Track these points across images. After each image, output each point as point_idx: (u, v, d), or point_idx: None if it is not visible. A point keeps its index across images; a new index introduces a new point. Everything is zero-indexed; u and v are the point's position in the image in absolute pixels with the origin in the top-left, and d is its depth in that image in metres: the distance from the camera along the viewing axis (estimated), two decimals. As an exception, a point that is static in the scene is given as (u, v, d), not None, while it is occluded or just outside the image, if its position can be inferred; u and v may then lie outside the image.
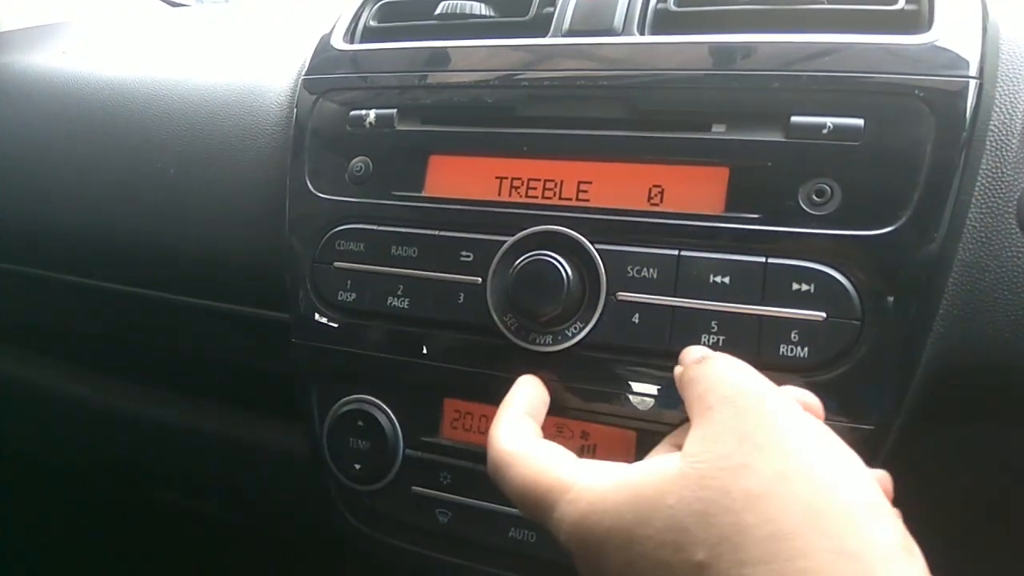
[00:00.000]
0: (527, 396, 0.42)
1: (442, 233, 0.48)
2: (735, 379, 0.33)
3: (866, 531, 0.26)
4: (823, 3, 0.45)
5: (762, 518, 0.27)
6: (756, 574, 0.26)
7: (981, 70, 0.41)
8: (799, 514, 0.27)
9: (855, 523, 0.27)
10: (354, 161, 0.52)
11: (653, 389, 0.43)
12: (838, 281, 0.40)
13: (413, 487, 0.50)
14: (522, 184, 0.47)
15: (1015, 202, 0.40)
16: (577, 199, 0.46)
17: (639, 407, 0.43)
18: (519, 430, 0.39)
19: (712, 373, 0.34)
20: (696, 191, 0.44)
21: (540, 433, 0.40)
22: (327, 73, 0.55)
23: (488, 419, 0.48)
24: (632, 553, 0.29)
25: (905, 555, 0.27)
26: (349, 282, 0.51)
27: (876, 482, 0.29)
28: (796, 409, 0.32)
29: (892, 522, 0.28)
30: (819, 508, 0.27)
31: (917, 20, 0.43)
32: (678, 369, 0.38)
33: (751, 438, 0.29)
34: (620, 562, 0.29)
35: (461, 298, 0.47)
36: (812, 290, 0.40)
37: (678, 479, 0.29)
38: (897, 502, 0.36)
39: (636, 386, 0.44)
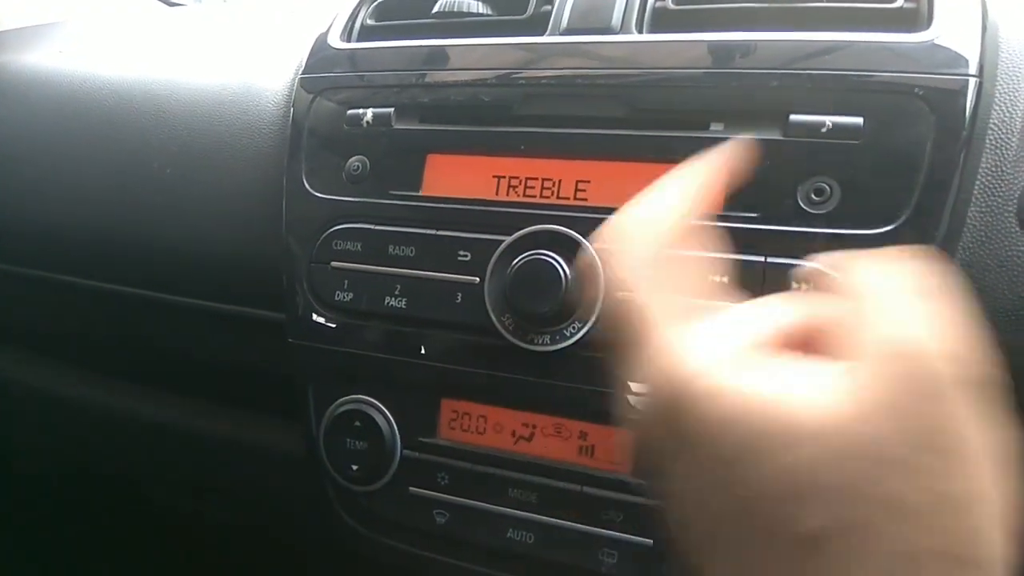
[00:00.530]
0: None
1: (440, 232, 0.48)
2: (902, 323, 0.24)
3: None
4: (822, 1, 0.45)
5: (899, 530, 0.22)
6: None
7: (981, 68, 0.40)
8: (935, 543, 0.22)
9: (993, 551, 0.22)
10: (351, 160, 0.52)
11: (652, 389, 0.43)
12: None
13: (410, 488, 0.50)
14: (520, 183, 0.47)
15: (1015, 200, 0.39)
16: (575, 198, 0.46)
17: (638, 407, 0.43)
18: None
19: (878, 298, 0.25)
20: (695, 190, 0.43)
21: None
22: (324, 72, 0.55)
23: (486, 419, 0.48)
24: (719, 486, 0.23)
25: None
26: (346, 282, 0.51)
27: None
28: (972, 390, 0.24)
29: None
30: (958, 546, 0.22)
31: (916, 18, 0.43)
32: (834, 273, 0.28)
33: (922, 437, 0.22)
34: (722, 455, 0.23)
35: (459, 298, 0.47)
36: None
37: (823, 431, 0.23)
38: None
39: (635, 386, 0.43)
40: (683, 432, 0.24)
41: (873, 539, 0.22)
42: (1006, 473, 0.23)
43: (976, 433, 0.23)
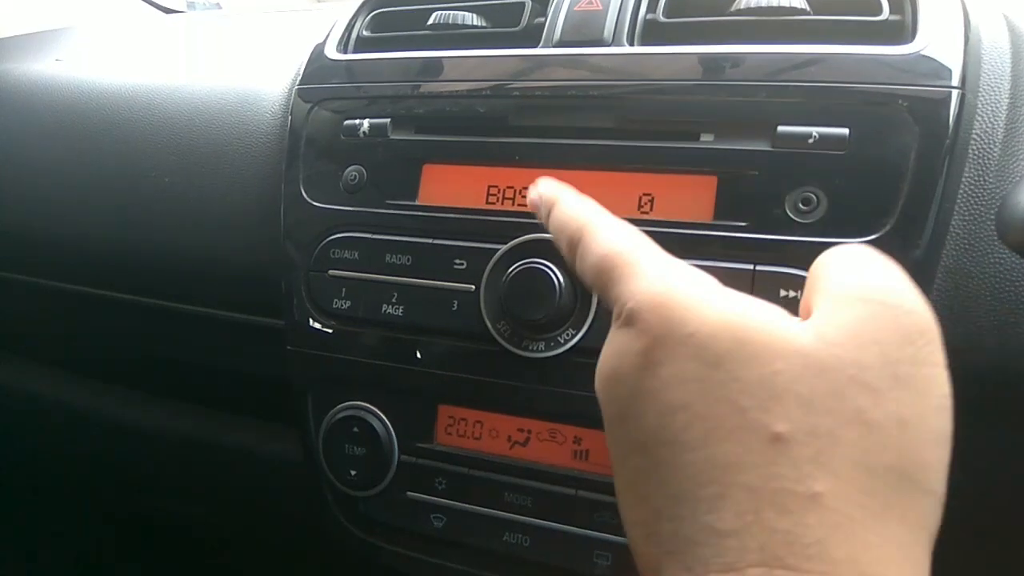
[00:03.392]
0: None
1: (436, 241, 0.49)
2: (876, 279, 0.27)
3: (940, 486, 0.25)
4: (809, 15, 0.46)
5: (859, 440, 0.24)
6: (825, 480, 0.23)
7: (963, 80, 0.41)
8: (892, 460, 0.24)
9: (938, 482, 0.25)
10: (348, 170, 0.53)
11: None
12: (825, 288, 0.41)
13: (408, 493, 0.50)
14: (514, 192, 0.48)
15: (996, 210, 0.40)
16: (568, 207, 0.46)
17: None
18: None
19: (850, 261, 0.28)
20: (685, 200, 0.44)
21: None
22: (321, 82, 0.56)
23: (482, 425, 0.49)
24: (707, 375, 0.25)
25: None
26: (344, 290, 0.51)
27: None
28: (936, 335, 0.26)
29: None
30: (913, 469, 0.24)
31: (901, 31, 0.44)
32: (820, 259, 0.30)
33: (898, 373, 0.25)
34: (683, 372, 0.25)
35: (455, 305, 0.48)
36: (799, 296, 0.41)
37: (799, 351, 0.25)
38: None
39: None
40: (670, 335, 0.26)
41: (835, 447, 0.23)
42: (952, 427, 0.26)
43: (942, 383, 0.26)
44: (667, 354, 0.26)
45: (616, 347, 0.28)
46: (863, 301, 0.26)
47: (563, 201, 0.36)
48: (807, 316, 0.27)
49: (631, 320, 0.27)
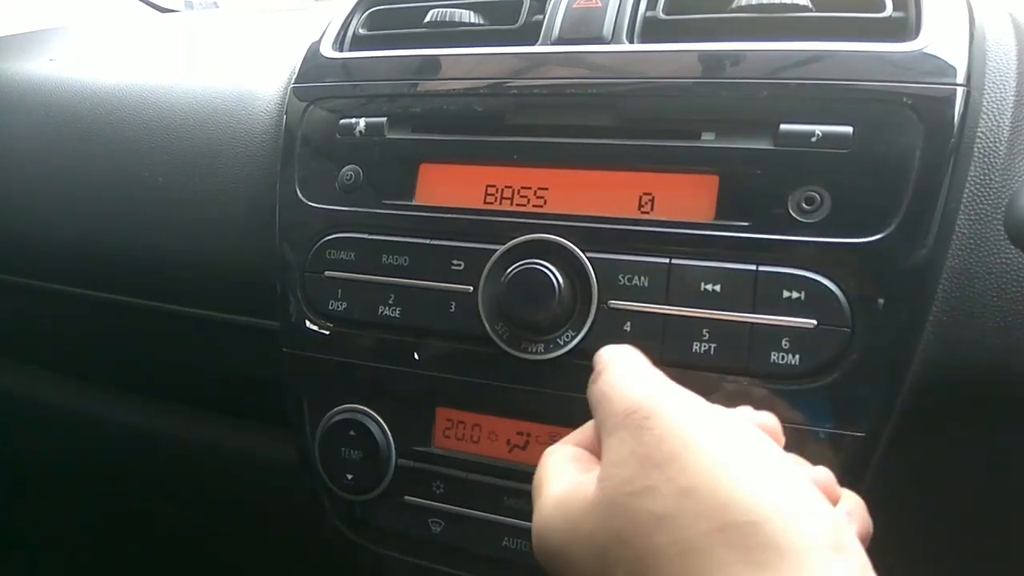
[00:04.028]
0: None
1: (433, 242, 0.48)
2: (628, 395, 0.32)
3: (780, 533, 0.25)
4: (811, 11, 0.45)
5: (672, 537, 0.27)
6: None
7: (968, 77, 0.41)
8: (705, 529, 0.26)
9: (766, 528, 0.26)
10: (344, 169, 0.52)
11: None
12: (828, 289, 0.40)
13: (406, 497, 0.50)
14: (512, 192, 0.47)
15: (1003, 208, 0.40)
16: (568, 207, 0.46)
17: None
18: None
19: (608, 390, 0.33)
20: (686, 199, 0.44)
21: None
22: (317, 81, 0.55)
23: (480, 428, 0.49)
24: (573, 569, 0.30)
25: (831, 553, 0.25)
26: (340, 291, 0.51)
27: (803, 479, 0.28)
28: (701, 419, 0.30)
29: (817, 519, 0.26)
30: (725, 519, 0.26)
31: (905, 28, 0.43)
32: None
33: (650, 458, 0.29)
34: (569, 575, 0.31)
35: (452, 307, 0.47)
36: (803, 298, 0.40)
37: (593, 505, 0.30)
38: (889, 508, 0.36)
39: None
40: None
41: (656, 562, 0.27)
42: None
43: (686, 437, 0.29)
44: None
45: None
46: (614, 429, 0.31)
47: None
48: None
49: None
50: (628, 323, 0.43)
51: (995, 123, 0.41)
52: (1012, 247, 0.39)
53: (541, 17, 0.51)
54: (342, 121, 0.53)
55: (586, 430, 0.37)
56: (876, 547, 0.29)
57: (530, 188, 0.47)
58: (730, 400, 0.37)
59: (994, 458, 0.43)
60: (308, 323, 0.52)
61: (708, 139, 0.44)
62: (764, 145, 0.42)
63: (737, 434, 0.30)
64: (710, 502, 0.27)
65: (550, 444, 0.46)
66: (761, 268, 0.41)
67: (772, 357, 0.41)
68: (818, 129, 0.41)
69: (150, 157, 0.62)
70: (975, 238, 0.40)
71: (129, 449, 0.74)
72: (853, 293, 0.40)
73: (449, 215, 0.48)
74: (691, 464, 0.28)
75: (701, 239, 0.43)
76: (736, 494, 0.27)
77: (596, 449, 0.35)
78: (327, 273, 0.51)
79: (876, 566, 0.27)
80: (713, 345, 0.42)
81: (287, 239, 0.53)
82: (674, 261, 0.43)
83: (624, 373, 0.34)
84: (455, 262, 0.47)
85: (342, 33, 0.57)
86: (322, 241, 0.51)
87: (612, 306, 0.44)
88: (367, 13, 0.58)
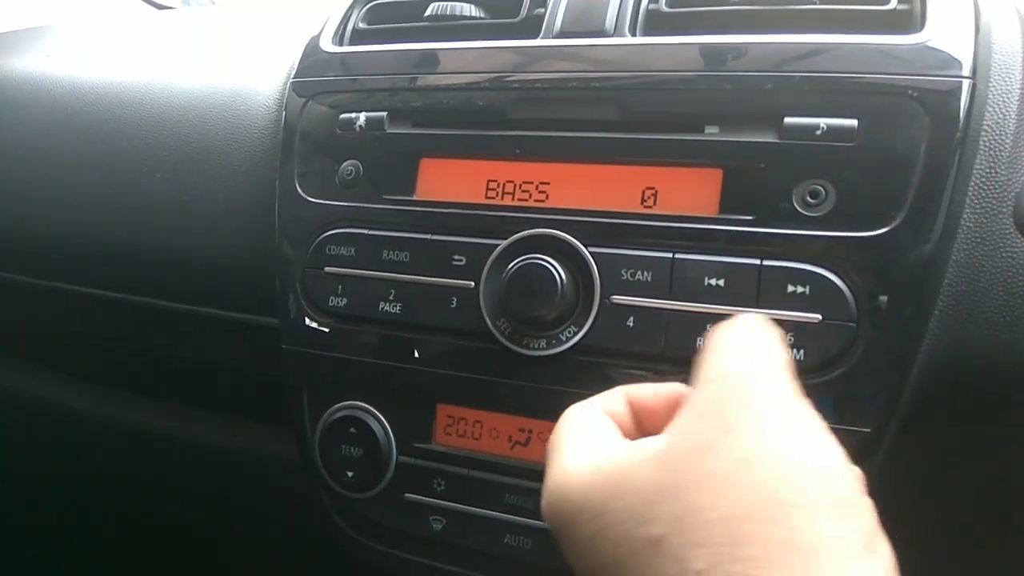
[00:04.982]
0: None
1: (434, 237, 0.48)
2: (730, 356, 0.32)
3: (824, 525, 0.26)
4: (815, 4, 0.45)
5: (719, 500, 0.27)
6: (702, 555, 0.26)
7: (974, 70, 0.41)
8: (756, 501, 0.26)
9: (814, 515, 0.26)
10: (344, 164, 0.51)
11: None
12: (833, 283, 0.40)
13: (406, 494, 0.49)
14: (514, 187, 0.47)
15: (1010, 201, 0.40)
16: (570, 202, 0.46)
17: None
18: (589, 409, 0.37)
19: (715, 347, 0.33)
20: (690, 193, 0.43)
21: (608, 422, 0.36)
22: (316, 76, 0.55)
23: (482, 424, 0.48)
24: (602, 523, 0.29)
25: (864, 553, 0.26)
26: (340, 287, 0.50)
27: (855, 481, 0.29)
28: (787, 395, 0.31)
29: (858, 519, 0.27)
30: (778, 497, 0.26)
31: (909, 20, 0.43)
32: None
33: (724, 419, 0.29)
34: (589, 533, 0.30)
35: (454, 303, 0.47)
36: (807, 292, 0.40)
37: (656, 458, 0.29)
38: (893, 503, 0.36)
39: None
40: (565, 524, 0.32)
41: (701, 524, 0.27)
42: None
43: (766, 414, 0.29)
44: (565, 539, 0.31)
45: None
46: (704, 384, 0.31)
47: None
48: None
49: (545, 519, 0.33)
50: (631, 318, 0.43)
51: (1001, 116, 0.41)
52: (1019, 240, 0.39)
53: (543, 10, 0.50)
54: (342, 116, 0.52)
55: (614, 397, 0.36)
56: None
57: (532, 183, 0.47)
58: None
59: (1001, 453, 0.43)
60: (308, 320, 0.51)
61: (712, 132, 0.44)
62: (768, 138, 0.42)
63: (812, 421, 0.30)
64: (771, 475, 0.27)
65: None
66: (765, 262, 0.41)
67: (777, 352, 0.40)
68: (823, 122, 0.41)
69: (148, 154, 0.61)
70: (981, 232, 0.40)
71: (127, 448, 0.74)
72: (858, 287, 0.40)
73: (450, 210, 0.48)
74: (765, 435, 0.28)
75: (705, 233, 0.42)
76: (800, 477, 0.27)
77: (624, 421, 0.35)
78: (327, 269, 0.51)
79: None
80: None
81: (287, 235, 0.53)
82: (677, 256, 0.43)
83: (737, 334, 0.33)
84: (456, 257, 0.47)
85: (342, 27, 0.57)
86: (322, 237, 0.51)
87: (615, 301, 0.43)
88: (367, 7, 0.57)
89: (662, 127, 0.45)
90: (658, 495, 0.28)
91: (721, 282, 0.42)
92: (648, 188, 0.44)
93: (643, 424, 0.36)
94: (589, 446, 0.33)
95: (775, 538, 0.26)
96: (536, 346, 0.45)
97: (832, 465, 0.28)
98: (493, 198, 0.47)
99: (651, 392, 0.36)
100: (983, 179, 0.40)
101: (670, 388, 0.36)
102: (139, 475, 0.78)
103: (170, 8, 1.08)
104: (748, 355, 0.32)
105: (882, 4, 0.44)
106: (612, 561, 0.29)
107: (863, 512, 0.28)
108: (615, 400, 0.36)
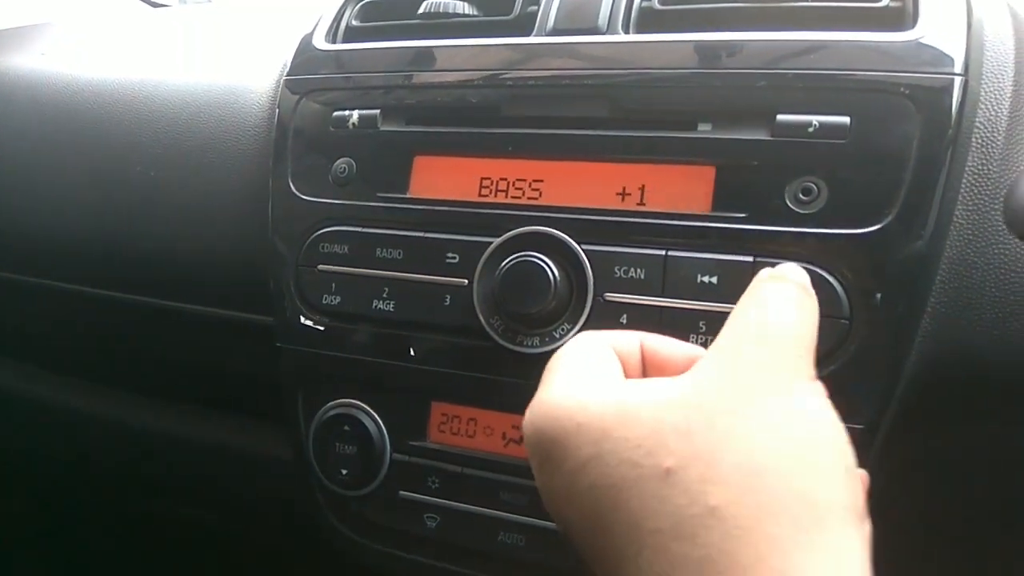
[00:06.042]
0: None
1: (427, 235, 0.48)
2: (774, 309, 0.32)
3: (836, 490, 0.27)
4: (808, 1, 0.45)
5: (743, 449, 0.28)
6: (719, 492, 0.27)
7: (966, 67, 0.41)
8: (783, 455, 0.27)
9: (830, 479, 0.28)
10: (337, 162, 0.51)
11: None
12: (826, 280, 0.40)
13: (400, 492, 0.49)
14: (507, 185, 0.47)
15: (1001, 199, 0.40)
16: (563, 199, 0.46)
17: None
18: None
19: (760, 295, 0.33)
20: (682, 190, 0.43)
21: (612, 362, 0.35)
22: (309, 73, 0.55)
23: (476, 422, 0.48)
24: (600, 448, 0.29)
25: (858, 521, 0.28)
26: (334, 285, 0.50)
27: (856, 472, 0.30)
28: (812, 367, 0.31)
29: (857, 490, 0.29)
30: (796, 466, 0.27)
31: (902, 17, 0.43)
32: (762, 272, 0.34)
33: (762, 377, 0.29)
34: (584, 456, 0.29)
35: (447, 300, 0.47)
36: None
37: (678, 397, 0.29)
38: (887, 501, 0.36)
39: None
40: (556, 441, 0.31)
41: (719, 462, 0.27)
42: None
43: (802, 399, 0.29)
44: (552, 460, 0.30)
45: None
46: (751, 340, 0.31)
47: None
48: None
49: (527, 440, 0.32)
50: (624, 315, 0.43)
51: (993, 113, 0.41)
52: (1010, 237, 0.39)
53: (536, 8, 0.50)
54: (335, 113, 0.52)
55: (627, 337, 0.35)
56: (874, 540, 0.28)
57: (525, 180, 0.47)
58: None
59: (994, 448, 0.43)
60: (302, 318, 0.51)
61: (704, 130, 0.44)
62: (761, 136, 0.42)
63: (833, 414, 0.30)
64: (792, 448, 0.28)
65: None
66: (758, 259, 0.41)
67: (770, 349, 0.40)
68: (815, 119, 0.41)
69: (142, 152, 0.61)
70: (973, 228, 0.40)
71: (122, 447, 0.74)
72: (851, 284, 0.40)
73: (443, 208, 0.48)
74: (795, 413, 0.29)
75: (697, 231, 0.42)
76: (820, 457, 0.28)
77: (632, 363, 0.35)
78: (320, 267, 0.51)
79: (874, 560, 0.27)
80: (710, 337, 0.41)
81: (280, 233, 0.53)
82: (670, 253, 0.43)
83: (800, 292, 0.33)
84: (450, 255, 0.47)
85: (335, 25, 0.57)
86: (315, 235, 0.51)
87: (608, 299, 0.43)
88: (360, 4, 0.57)
89: (655, 124, 0.44)
90: (675, 433, 0.28)
91: (714, 279, 0.42)
92: (641, 186, 0.44)
93: (651, 373, 0.35)
94: (592, 374, 0.32)
95: (792, 491, 0.27)
96: (530, 343, 0.45)
97: (845, 438, 0.30)
98: (486, 196, 0.47)
99: (668, 343, 0.36)
100: (975, 176, 0.40)
101: (689, 346, 0.36)
102: (133, 473, 0.78)
103: (165, 6, 1.08)
104: (792, 313, 0.32)
105: (875, 1, 0.44)
106: (607, 484, 0.28)
107: (859, 485, 0.29)
108: (628, 340, 0.36)
